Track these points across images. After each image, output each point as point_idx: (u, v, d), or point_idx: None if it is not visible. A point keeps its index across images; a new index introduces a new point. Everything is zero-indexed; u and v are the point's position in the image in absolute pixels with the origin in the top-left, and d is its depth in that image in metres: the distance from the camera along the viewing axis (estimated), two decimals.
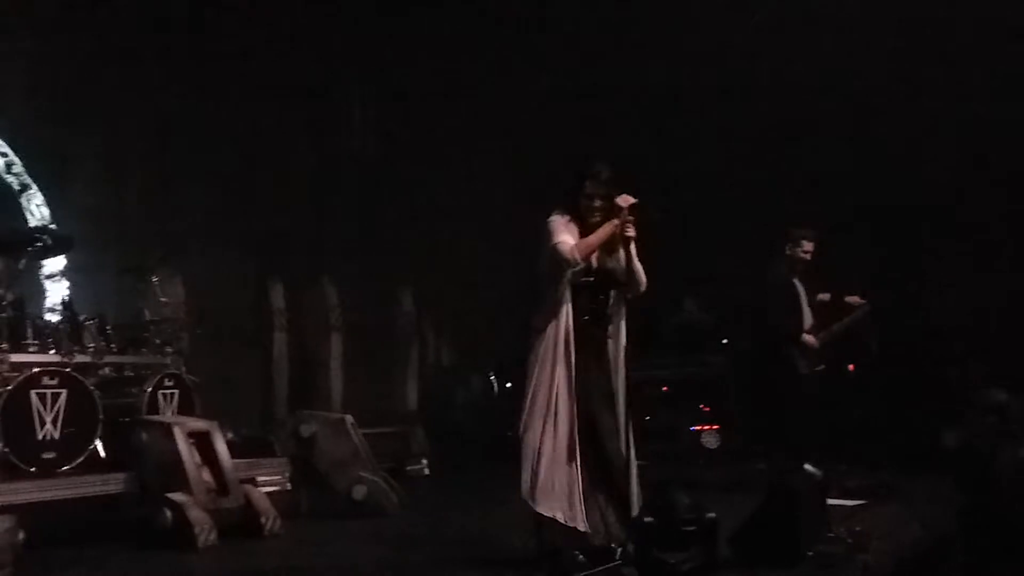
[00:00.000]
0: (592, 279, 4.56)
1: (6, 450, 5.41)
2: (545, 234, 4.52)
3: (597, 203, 4.55)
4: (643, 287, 4.58)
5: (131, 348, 6.89)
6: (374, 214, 10.41)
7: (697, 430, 9.46)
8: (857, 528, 5.01)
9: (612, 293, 4.63)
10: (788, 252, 7.03)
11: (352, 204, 10.49)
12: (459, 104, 10.47)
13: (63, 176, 8.63)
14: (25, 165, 8.43)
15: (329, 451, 6.60)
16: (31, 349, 6.10)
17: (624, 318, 4.63)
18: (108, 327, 6.69)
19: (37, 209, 8.47)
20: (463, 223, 10.53)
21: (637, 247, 4.50)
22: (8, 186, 8.37)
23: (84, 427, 5.87)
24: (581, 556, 4.28)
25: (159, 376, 6.57)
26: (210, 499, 5.57)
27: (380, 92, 10.85)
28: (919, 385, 8.82)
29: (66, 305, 6.88)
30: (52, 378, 5.80)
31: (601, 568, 4.20)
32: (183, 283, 7.43)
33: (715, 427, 9.41)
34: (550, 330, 4.44)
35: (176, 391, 6.61)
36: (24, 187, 8.43)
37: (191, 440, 5.77)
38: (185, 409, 6.60)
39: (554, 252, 4.46)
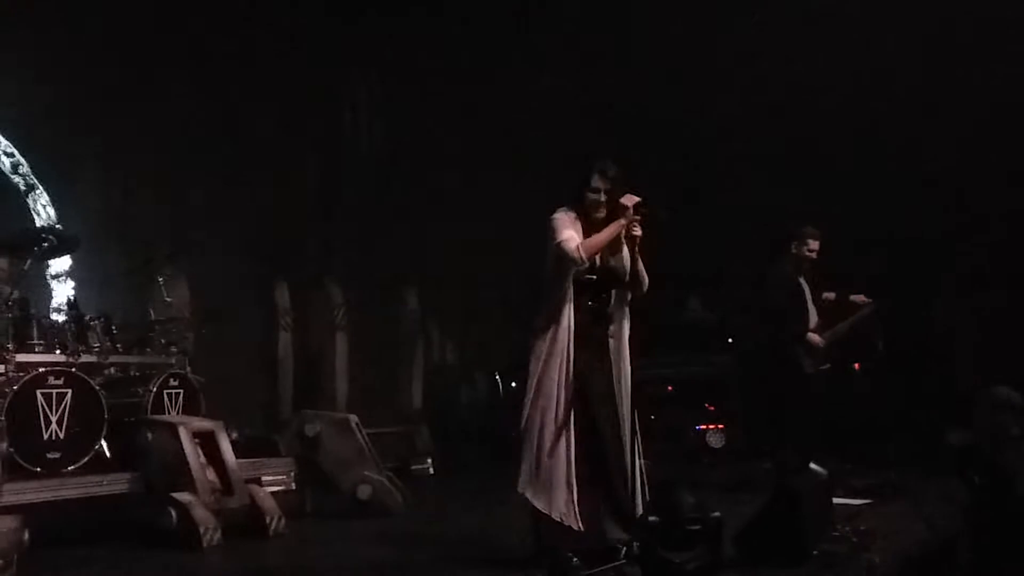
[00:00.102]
0: (595, 277, 4.55)
1: (11, 450, 5.41)
2: (549, 231, 4.52)
3: (603, 199, 4.55)
4: (645, 287, 4.59)
5: (136, 348, 6.90)
6: (379, 214, 10.41)
7: (702, 429, 9.44)
8: (862, 527, 5.00)
9: (613, 292, 4.62)
10: (793, 251, 7.02)
11: (357, 204, 10.49)
12: (465, 104, 10.47)
13: (69, 176, 8.65)
14: (31, 165, 8.46)
15: (334, 451, 6.60)
16: (37, 349, 6.12)
17: (626, 317, 4.63)
18: (113, 327, 6.70)
19: (43, 209, 8.50)
20: (468, 222, 10.52)
21: (640, 246, 4.49)
22: (15, 186, 8.39)
23: (89, 427, 5.88)
24: (575, 559, 4.28)
25: (164, 376, 6.58)
26: (215, 499, 5.58)
27: (386, 91, 10.85)
28: (925, 384, 8.80)
29: (72, 305, 6.90)
30: (57, 378, 5.80)
31: (604, 567, 4.20)
32: (188, 283, 7.44)
33: (720, 426, 9.39)
34: (552, 328, 4.44)
35: (181, 391, 6.62)
36: (30, 187, 8.46)
37: (196, 440, 5.78)
38: (190, 409, 6.61)
39: (559, 250, 4.46)
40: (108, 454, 6.10)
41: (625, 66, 9.85)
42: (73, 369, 5.99)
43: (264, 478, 6.33)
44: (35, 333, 6.17)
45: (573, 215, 4.56)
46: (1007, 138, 8.61)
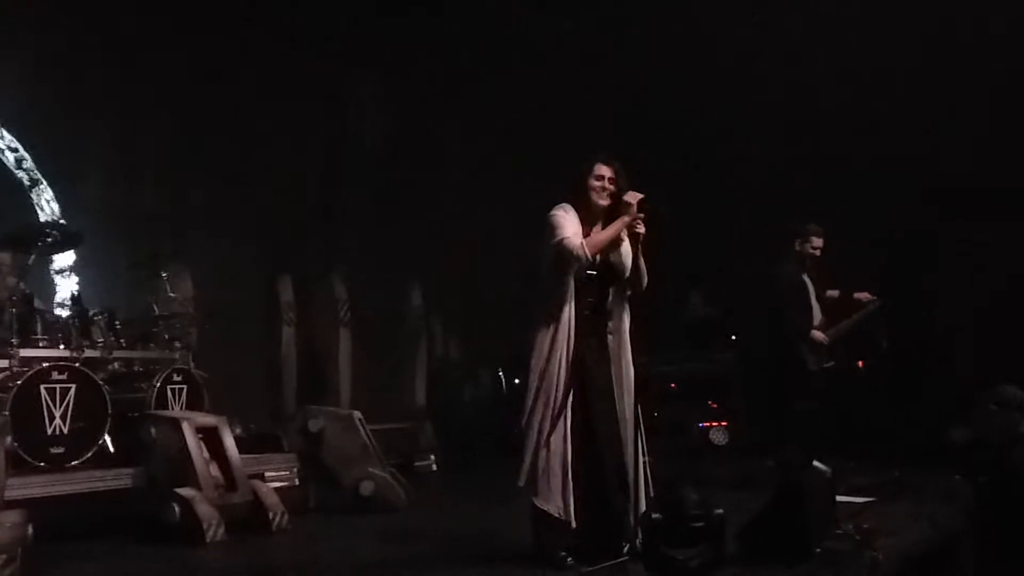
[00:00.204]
0: (595, 273, 4.55)
1: (15, 444, 5.43)
2: (548, 228, 4.51)
3: (608, 187, 4.55)
4: (645, 284, 4.59)
5: (140, 343, 6.92)
6: (383, 209, 10.41)
7: (705, 426, 9.44)
8: (865, 525, 4.99)
9: (612, 288, 4.62)
10: (797, 248, 7.01)
11: (361, 199, 10.49)
12: (468, 100, 10.46)
13: (73, 171, 8.66)
14: (35, 160, 8.47)
15: (337, 447, 6.61)
16: (41, 344, 6.13)
17: (626, 313, 4.63)
18: (117, 322, 6.72)
19: (47, 204, 8.51)
20: (472, 219, 10.52)
21: (643, 243, 4.49)
22: (19, 181, 8.40)
23: (93, 422, 5.90)
24: (570, 558, 4.29)
25: (168, 371, 6.60)
26: (218, 494, 5.58)
27: (391, 88, 10.84)
28: (927, 381, 8.79)
29: (75, 300, 6.92)
30: (61, 373, 5.82)
31: (604, 565, 4.21)
32: (192, 278, 7.45)
33: (723, 423, 9.39)
34: (552, 324, 4.43)
35: (185, 386, 6.63)
36: (34, 182, 8.47)
37: (200, 435, 5.79)
38: (193, 404, 6.62)
39: (561, 248, 4.45)
40: (112, 449, 6.13)
41: (626, 65, 9.83)
42: (77, 364, 6.01)
43: (267, 474, 6.34)
44: (39, 328, 6.18)
45: (572, 211, 4.56)
46: (1011, 134, 8.58)
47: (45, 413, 5.70)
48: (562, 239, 4.46)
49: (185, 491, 5.43)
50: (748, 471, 7.53)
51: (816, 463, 4.83)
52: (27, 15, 8.09)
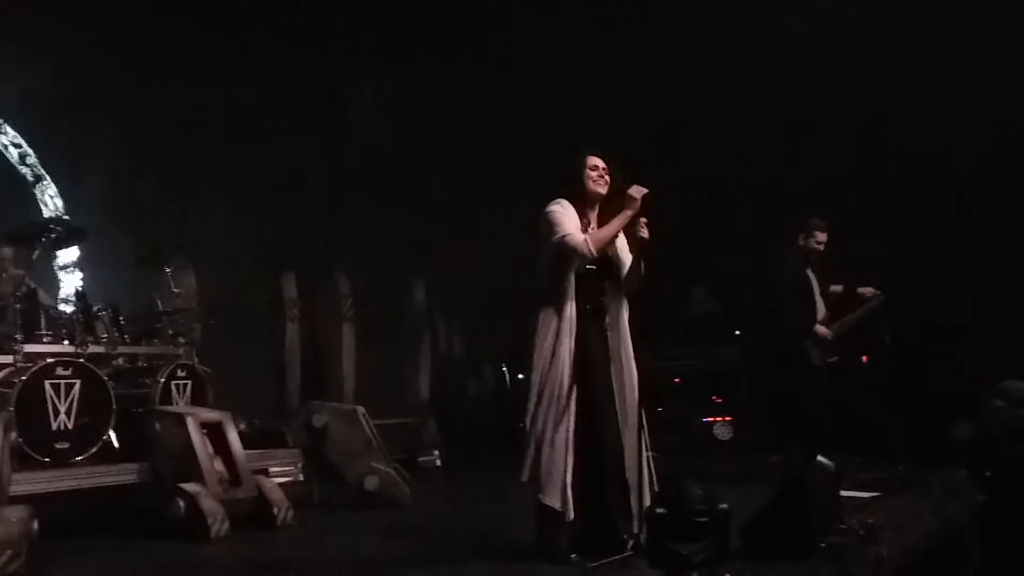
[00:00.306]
0: (594, 268, 4.55)
1: (20, 440, 5.43)
2: (547, 225, 4.49)
3: (601, 182, 4.57)
4: (639, 283, 4.59)
5: (144, 339, 6.92)
6: (387, 205, 10.41)
7: (709, 422, 9.44)
8: (870, 520, 4.98)
9: (609, 283, 4.62)
10: (801, 243, 7.01)
11: (365, 195, 10.49)
12: (472, 96, 10.46)
13: (77, 167, 8.66)
14: (39, 156, 8.47)
15: (341, 442, 6.61)
16: (45, 339, 6.13)
17: (624, 308, 4.63)
18: (121, 318, 6.72)
19: (51, 200, 8.52)
20: (476, 214, 10.52)
21: (646, 248, 4.49)
22: (22, 177, 8.41)
23: (98, 417, 5.91)
24: (573, 554, 4.29)
25: (172, 367, 6.60)
26: (223, 489, 5.59)
27: (394, 84, 10.84)
28: (933, 377, 8.78)
29: (80, 296, 6.92)
30: (66, 368, 5.83)
31: (608, 560, 4.21)
32: (196, 274, 7.46)
33: (727, 418, 9.39)
34: (554, 321, 4.42)
35: (189, 382, 6.65)
36: (38, 178, 8.48)
37: (204, 431, 5.79)
38: (198, 400, 6.63)
39: (564, 244, 4.44)
40: (116, 444, 6.14)
41: (626, 63, 9.82)
42: (81, 360, 6.01)
43: (272, 469, 6.35)
44: (43, 324, 6.18)
45: (569, 206, 4.55)
46: (1017, 129, 8.57)
47: (50, 409, 5.71)
48: (564, 235, 4.45)
49: (190, 486, 5.43)
50: (752, 466, 7.53)
51: (820, 458, 4.83)
52: (30, 11, 8.09)
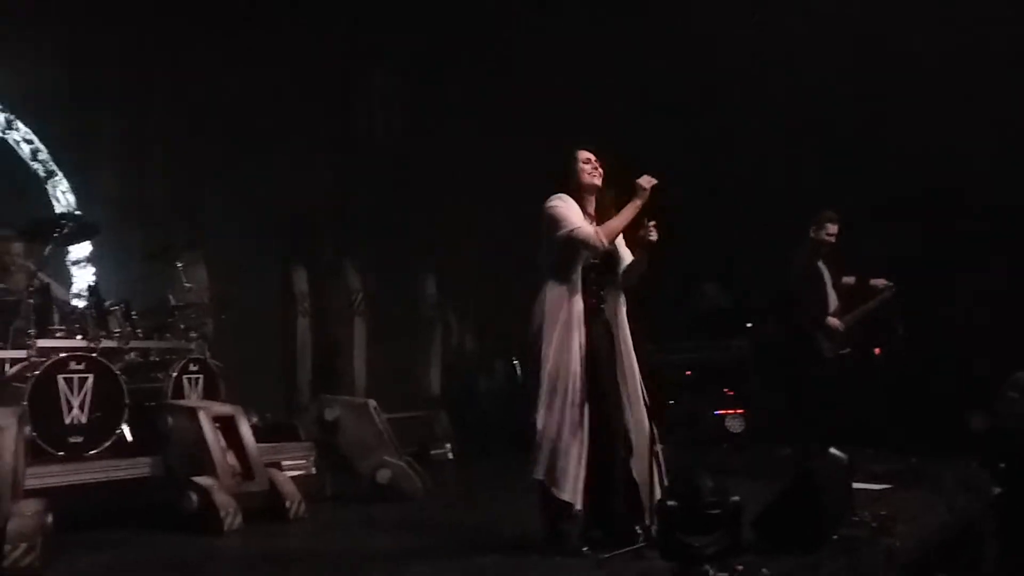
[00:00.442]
0: (596, 262, 4.55)
1: (34, 434, 5.45)
2: (550, 220, 4.49)
3: (596, 174, 4.59)
4: (638, 279, 4.63)
5: (156, 333, 6.94)
6: (398, 199, 10.41)
7: (721, 414, 9.42)
8: (883, 512, 4.98)
9: (609, 276, 4.62)
10: (812, 235, 6.98)
11: (376, 189, 10.50)
12: (486, 88, 10.44)
13: (89, 163, 8.69)
14: (51, 152, 8.50)
15: (353, 435, 6.63)
16: (58, 334, 6.16)
17: (623, 300, 4.64)
18: (133, 313, 6.73)
19: (63, 196, 8.55)
20: (487, 209, 10.51)
21: (653, 249, 4.50)
22: (34, 173, 8.45)
23: (111, 411, 5.93)
24: (585, 547, 4.29)
25: (184, 361, 6.61)
26: (235, 483, 5.61)
27: (406, 76, 10.83)
28: (947, 369, 8.74)
29: (92, 291, 6.94)
30: (79, 363, 5.85)
31: (621, 551, 4.21)
32: (207, 269, 7.47)
33: (739, 411, 9.37)
34: (562, 315, 4.42)
35: (201, 376, 6.65)
36: (50, 174, 8.51)
37: (216, 424, 5.81)
38: (210, 394, 6.63)
39: (574, 237, 4.43)
40: (129, 438, 6.16)
41: (637, 53, 9.78)
42: (94, 354, 6.03)
43: (284, 462, 6.37)
44: (56, 319, 6.21)
45: (570, 200, 4.55)
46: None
47: (63, 403, 5.74)
48: (573, 229, 4.45)
49: (202, 480, 5.45)
50: (764, 458, 7.53)
51: (832, 450, 4.82)
52: (42, 8, 8.12)
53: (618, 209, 4.55)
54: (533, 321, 4.50)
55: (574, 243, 4.45)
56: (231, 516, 5.31)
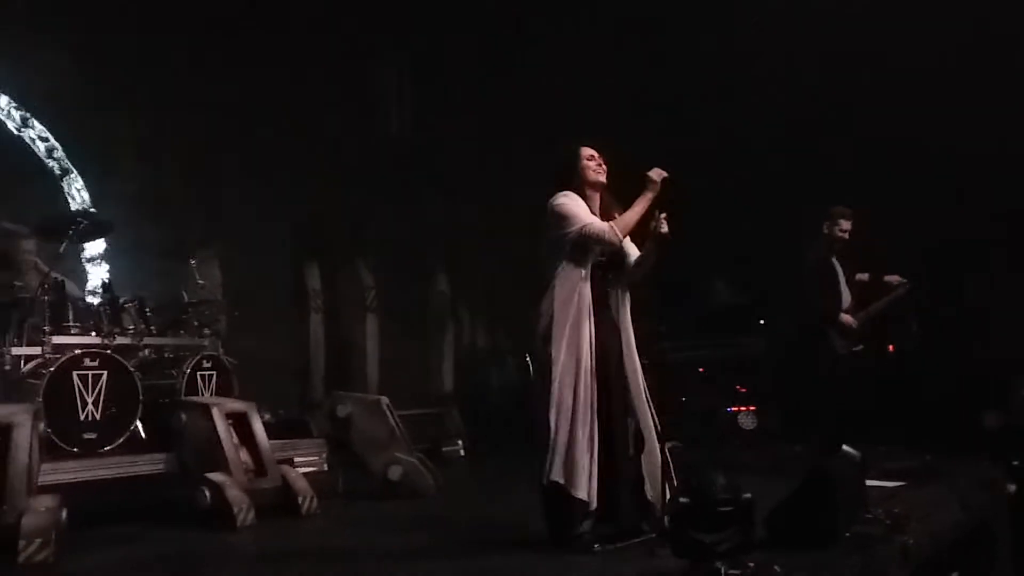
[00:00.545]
0: (603, 259, 4.54)
1: (49, 430, 5.49)
2: (558, 218, 4.48)
3: (601, 171, 4.60)
4: (643, 274, 4.62)
5: (170, 330, 6.98)
6: (410, 195, 10.42)
7: (733, 411, 9.40)
8: (896, 510, 4.95)
9: (613, 272, 4.61)
10: (826, 231, 6.95)
11: (388, 186, 10.51)
12: (498, 86, 10.44)
13: (103, 160, 8.73)
14: (66, 149, 8.55)
15: (365, 432, 6.64)
16: (72, 331, 6.20)
17: (627, 296, 4.63)
18: (147, 309, 6.78)
19: (78, 193, 8.60)
20: (499, 206, 10.51)
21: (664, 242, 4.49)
22: (49, 170, 8.49)
23: (125, 408, 5.97)
24: (596, 544, 4.29)
25: (198, 358, 6.65)
26: (248, 479, 5.63)
27: (419, 73, 10.84)
28: (961, 366, 8.69)
29: (106, 287, 6.99)
30: (93, 360, 5.89)
31: (629, 541, 4.21)
32: (220, 265, 7.50)
33: (752, 408, 9.35)
34: (572, 313, 4.41)
35: (214, 373, 6.69)
36: (65, 171, 8.56)
37: (229, 421, 5.83)
38: (223, 390, 6.67)
39: (588, 233, 4.43)
40: (143, 435, 6.19)
41: (648, 50, 9.76)
42: (108, 351, 6.06)
43: (296, 459, 6.39)
44: (71, 315, 6.25)
45: (576, 197, 4.55)
46: None
47: (78, 399, 5.78)
48: (586, 225, 4.44)
49: (216, 476, 5.47)
50: (777, 456, 7.50)
51: (846, 447, 4.80)
52: (57, 6, 8.16)
53: (624, 206, 4.55)
54: (542, 319, 4.49)
55: (587, 239, 4.44)
56: (244, 512, 5.33)
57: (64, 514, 4.62)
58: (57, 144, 8.49)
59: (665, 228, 4.44)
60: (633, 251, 4.67)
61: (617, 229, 4.44)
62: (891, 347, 8.48)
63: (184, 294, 7.04)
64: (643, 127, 9.23)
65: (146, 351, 6.80)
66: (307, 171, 9.62)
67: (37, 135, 8.42)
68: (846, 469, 4.68)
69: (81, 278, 8.01)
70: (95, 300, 6.89)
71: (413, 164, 10.62)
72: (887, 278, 7.12)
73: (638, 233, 4.57)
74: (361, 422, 6.66)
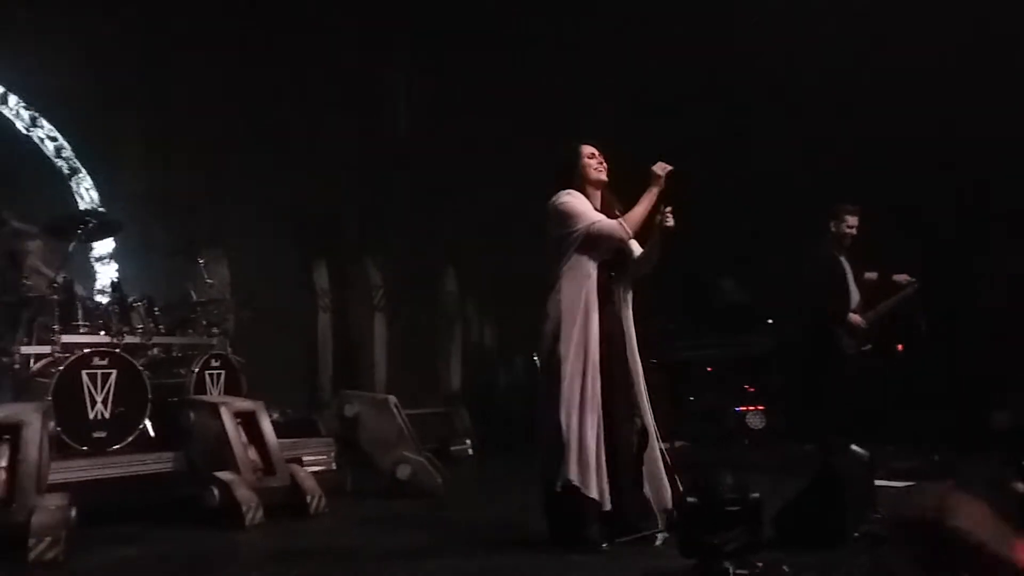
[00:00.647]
0: (608, 255, 4.53)
1: (58, 429, 5.51)
2: (563, 216, 4.47)
3: (603, 168, 4.60)
4: (648, 270, 4.62)
5: (179, 329, 6.99)
6: (418, 195, 10.42)
7: (742, 410, 9.39)
8: None
9: (617, 270, 4.61)
10: (833, 229, 6.92)
11: (396, 184, 10.52)
12: (506, 84, 10.43)
13: (112, 160, 8.75)
14: (74, 149, 8.58)
15: (373, 431, 6.65)
16: (82, 330, 6.22)
17: (630, 297, 4.63)
18: (156, 308, 6.80)
19: (86, 192, 8.63)
20: (507, 205, 10.50)
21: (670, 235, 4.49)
22: (58, 170, 8.53)
23: (134, 407, 5.99)
24: (604, 543, 4.29)
25: (206, 357, 6.67)
26: (256, 478, 5.64)
27: (427, 72, 10.84)
28: (969, 366, 8.66)
29: (115, 287, 7.00)
30: (102, 358, 5.92)
31: (636, 536, 4.21)
32: (229, 265, 7.51)
33: (760, 407, 9.33)
34: (580, 311, 4.40)
35: (223, 371, 6.70)
36: (74, 171, 8.59)
37: (238, 420, 5.84)
38: (231, 389, 6.68)
39: (598, 231, 4.42)
40: (152, 433, 6.21)
41: (658, 46, 9.74)
42: (117, 350, 6.08)
43: (305, 458, 6.40)
44: (80, 315, 6.27)
45: (579, 195, 4.54)
46: None
47: (87, 398, 5.80)
48: (594, 223, 4.44)
49: (224, 475, 5.48)
50: (785, 455, 7.49)
51: (854, 447, 4.79)
52: (65, 6, 8.18)
53: (624, 203, 4.54)
54: (549, 318, 4.48)
55: (596, 238, 4.43)
56: (252, 511, 5.34)
57: (73, 512, 4.63)
58: (66, 143, 8.52)
59: (671, 222, 4.43)
60: (635, 246, 4.65)
61: (626, 226, 4.43)
62: (899, 346, 8.45)
63: (192, 293, 7.05)
64: (644, 127, 9.22)
65: (155, 350, 6.82)
66: (315, 170, 9.64)
67: (46, 134, 8.45)
68: (855, 469, 4.66)
69: (90, 277, 8.04)
70: (104, 299, 6.91)
71: (421, 163, 10.63)
72: (896, 277, 7.09)
73: (642, 228, 4.56)
74: (369, 421, 6.66)
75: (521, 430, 9.27)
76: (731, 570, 3.73)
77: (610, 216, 4.54)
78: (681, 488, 4.48)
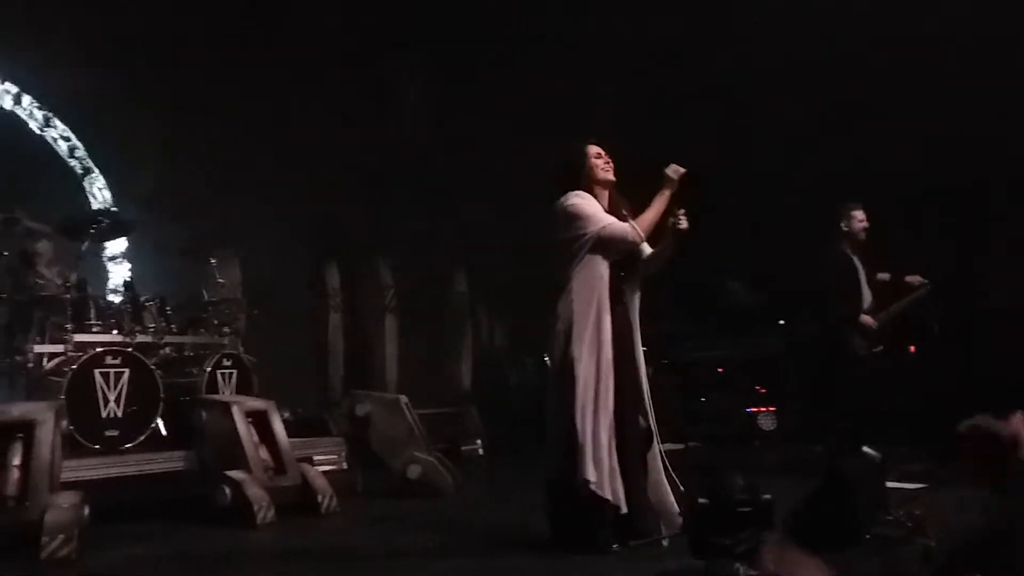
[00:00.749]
0: (618, 257, 4.53)
1: (71, 428, 5.54)
2: (571, 219, 4.44)
3: (609, 168, 4.58)
4: (656, 270, 4.62)
5: (190, 328, 7.02)
6: (429, 196, 10.43)
7: (753, 412, 9.37)
8: (917, 511, 4.91)
9: (626, 271, 4.59)
10: (844, 228, 6.88)
11: (407, 185, 10.53)
12: (518, 85, 10.43)
13: (125, 160, 8.79)
14: (87, 149, 8.62)
15: (384, 431, 6.65)
16: (94, 329, 6.25)
17: (637, 298, 4.62)
18: (168, 308, 6.83)
19: (99, 192, 8.68)
20: (518, 205, 10.50)
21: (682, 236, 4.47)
22: (71, 170, 8.57)
23: (146, 406, 6.01)
24: (615, 544, 4.28)
25: (218, 356, 6.69)
26: (268, 477, 5.65)
27: (437, 73, 10.85)
28: (981, 366, 8.62)
29: (128, 286, 7.04)
30: (115, 358, 5.94)
31: (648, 540, 4.21)
32: (240, 264, 7.53)
33: (771, 408, 9.31)
34: (592, 312, 4.39)
35: (234, 371, 6.73)
36: (87, 171, 8.64)
37: (249, 419, 5.86)
38: (243, 389, 6.71)
39: (609, 234, 4.40)
40: (164, 432, 6.23)
41: (666, 44, 9.72)
42: (130, 349, 6.11)
43: (315, 457, 6.41)
44: (93, 314, 6.30)
45: (588, 196, 4.52)
46: None
47: (99, 397, 5.83)
48: (606, 226, 4.42)
49: (236, 474, 5.50)
50: (796, 456, 7.46)
51: (866, 448, 4.77)
52: (78, 7, 8.22)
53: (634, 205, 4.54)
54: (561, 320, 4.46)
55: (608, 241, 4.42)
56: (264, 510, 5.35)
57: (86, 510, 4.65)
58: (79, 143, 8.57)
59: (684, 224, 4.41)
60: (645, 247, 4.64)
61: (639, 229, 4.42)
62: (912, 348, 8.42)
63: (204, 293, 7.08)
64: (653, 126, 9.20)
65: (167, 349, 6.85)
66: (327, 171, 9.65)
67: (59, 134, 8.50)
68: (866, 470, 4.65)
69: (103, 277, 8.08)
70: (117, 299, 6.94)
71: (432, 164, 10.63)
72: (908, 278, 7.05)
73: (661, 228, 4.55)
74: (380, 421, 6.67)
75: (532, 430, 9.28)
76: (741, 571, 3.72)
77: (618, 216, 4.52)
78: (682, 490, 4.48)
